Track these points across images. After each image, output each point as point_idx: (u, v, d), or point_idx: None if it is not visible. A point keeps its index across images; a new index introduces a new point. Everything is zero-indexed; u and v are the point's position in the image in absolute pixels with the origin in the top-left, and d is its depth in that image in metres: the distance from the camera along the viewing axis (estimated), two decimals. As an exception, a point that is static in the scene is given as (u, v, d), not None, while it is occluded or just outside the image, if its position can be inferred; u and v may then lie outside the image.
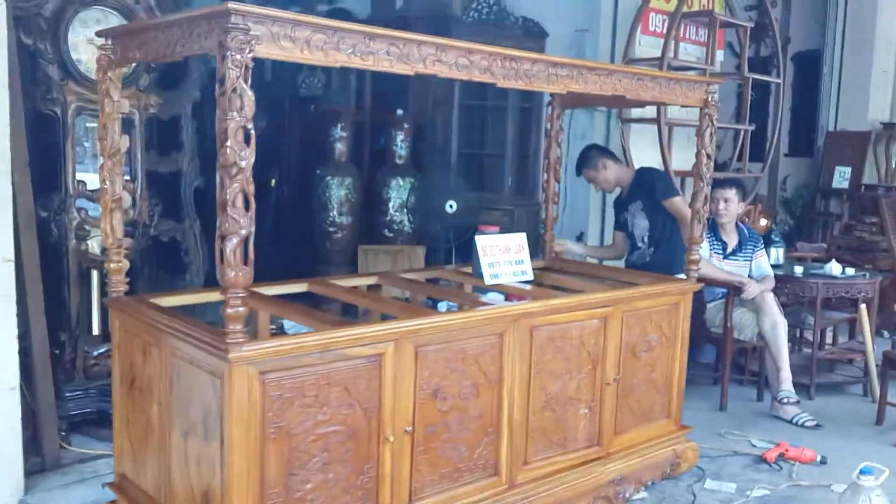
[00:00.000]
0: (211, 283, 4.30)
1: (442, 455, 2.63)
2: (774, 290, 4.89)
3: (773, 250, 5.28)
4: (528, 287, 3.21)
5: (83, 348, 3.28)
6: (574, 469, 3.06)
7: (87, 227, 3.28)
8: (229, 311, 2.05)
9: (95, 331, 3.33)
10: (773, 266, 5.17)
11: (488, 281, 3.21)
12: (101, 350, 3.33)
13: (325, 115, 6.01)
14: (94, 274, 3.32)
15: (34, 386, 2.86)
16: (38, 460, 2.93)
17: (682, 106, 3.51)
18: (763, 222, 6.36)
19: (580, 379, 3.05)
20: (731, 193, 4.48)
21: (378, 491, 2.45)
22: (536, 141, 6.72)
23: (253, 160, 2.03)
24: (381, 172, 6.09)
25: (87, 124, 3.27)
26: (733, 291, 4.48)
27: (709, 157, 3.40)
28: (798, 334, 5.38)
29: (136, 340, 2.57)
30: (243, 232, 2.02)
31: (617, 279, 3.66)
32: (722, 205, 4.49)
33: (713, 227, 4.58)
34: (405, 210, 5.93)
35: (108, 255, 2.67)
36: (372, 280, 3.32)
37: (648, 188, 4.21)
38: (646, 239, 4.22)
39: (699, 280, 4.56)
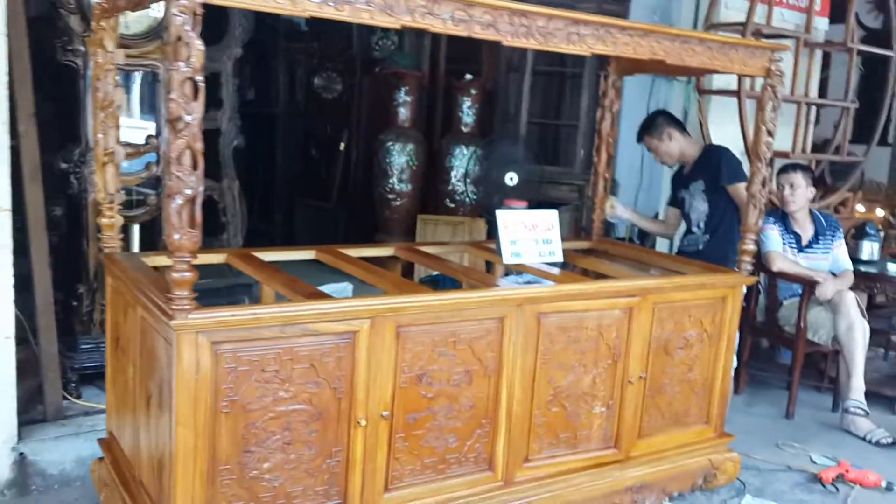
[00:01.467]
0: (249, 243, 4.26)
1: (426, 444, 2.44)
2: (862, 288, 4.39)
3: (866, 244, 4.75)
4: (553, 269, 2.95)
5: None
6: (585, 471, 2.80)
7: (108, 182, 3.25)
8: (174, 275, 1.92)
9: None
10: (866, 262, 4.65)
11: (507, 260, 2.97)
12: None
13: (388, 78, 5.84)
14: (133, 228, 3.30)
15: (38, 336, 2.85)
16: (42, 410, 2.94)
17: (745, 76, 3.11)
18: (860, 209, 5.74)
19: (596, 374, 2.77)
20: (798, 178, 4.02)
21: (347, 476, 2.29)
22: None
23: (201, 114, 1.87)
24: (446, 140, 5.88)
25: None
26: (808, 288, 4.03)
27: (769, 134, 3.01)
28: (889, 341, 4.84)
29: (119, 299, 2.51)
30: (189, 192, 1.88)
31: (664, 266, 3.33)
32: (787, 191, 4.04)
33: (783, 218, 4.13)
34: (467, 180, 5.70)
35: (102, 209, 2.60)
36: (389, 251, 3.15)
37: (714, 169, 3.80)
38: (702, 224, 3.83)
39: (774, 275, 4.17)
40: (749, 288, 4.52)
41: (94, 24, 2.50)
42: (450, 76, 6.20)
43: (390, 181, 5.72)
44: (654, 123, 3.98)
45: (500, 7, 2.25)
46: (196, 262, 1.96)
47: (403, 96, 5.73)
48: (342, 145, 6.63)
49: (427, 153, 5.89)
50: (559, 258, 3.10)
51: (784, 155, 5.05)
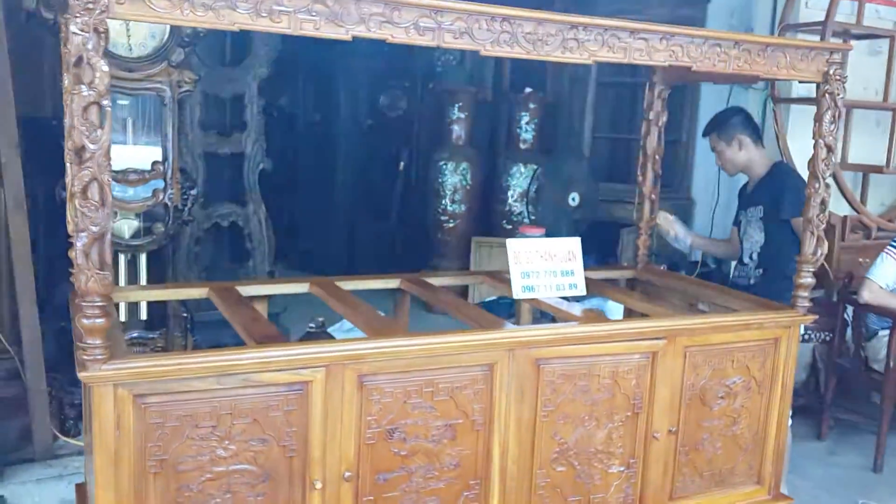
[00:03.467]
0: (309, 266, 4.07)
1: (400, 508, 2.15)
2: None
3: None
4: (571, 305, 2.60)
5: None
6: (601, 539, 2.43)
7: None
8: (85, 322, 1.73)
9: (121, 317, 3.20)
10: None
11: (518, 294, 2.64)
12: (128, 337, 3.20)
13: (442, 94, 5.60)
14: (121, 258, 3.18)
15: (26, 374, 2.76)
16: (31, 450, 2.84)
17: (799, 82, 2.67)
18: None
19: (612, 428, 2.40)
20: None
21: (301, 547, 2.03)
22: (690, 123, 5.86)
23: (107, 142, 1.67)
24: (503, 158, 5.58)
25: (118, 101, 3.12)
26: (897, 322, 3.49)
27: (829, 149, 2.56)
28: None
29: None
30: (96, 229, 1.68)
31: (714, 301, 2.90)
32: None
33: None
34: (525, 200, 5.38)
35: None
36: (395, 283, 2.88)
37: (776, 195, 3.24)
38: (755, 256, 3.32)
39: (861, 307, 3.64)
40: (836, 320, 3.99)
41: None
42: (516, 90, 5.90)
43: (443, 202, 5.47)
44: (727, 124, 3.39)
45: (476, 12, 1.95)
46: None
47: (457, 113, 5.48)
48: (402, 165, 6.43)
49: (483, 173, 5.61)
50: (581, 291, 2.75)
51: (877, 170, 4.47)
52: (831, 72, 2.48)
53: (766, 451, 2.72)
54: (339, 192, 6.70)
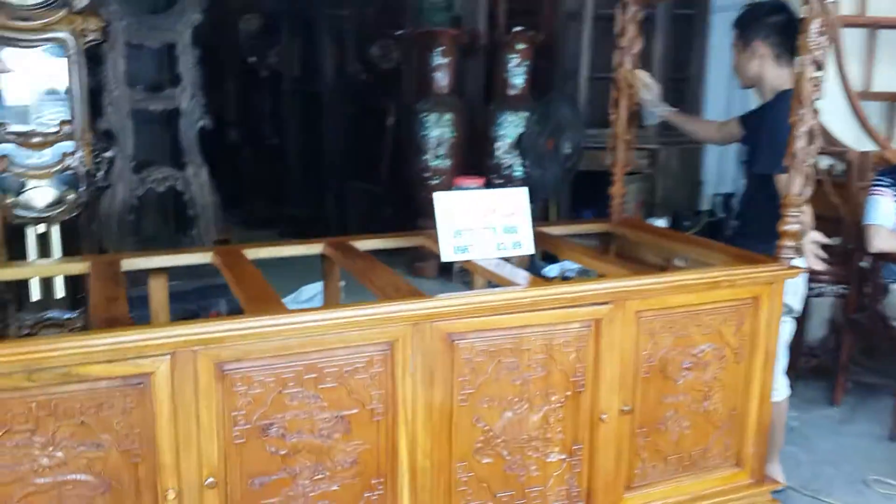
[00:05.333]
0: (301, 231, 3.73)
1: (286, 515, 1.82)
2: None
3: None
4: (511, 270, 2.22)
5: (16, 315, 2.89)
6: (541, 538, 2.08)
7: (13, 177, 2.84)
8: None
9: (33, 297, 2.91)
10: None
11: (448, 256, 2.27)
12: (35, 319, 2.92)
13: (424, 39, 5.15)
14: (30, 232, 2.88)
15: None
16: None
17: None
18: None
19: (549, 411, 2.03)
20: None
21: (161, 564, 1.72)
22: (699, 58, 5.34)
23: None
24: (491, 106, 5.14)
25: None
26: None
27: (817, 65, 2.10)
28: None
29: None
30: None
31: (692, 256, 2.48)
32: None
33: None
34: (517, 151, 4.92)
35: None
36: (318, 248, 2.52)
37: (758, 138, 2.56)
38: (736, 203, 2.83)
39: (879, 257, 3.18)
40: (851, 271, 3.53)
41: None
42: (498, 33, 5.43)
43: (426, 157, 5.05)
44: (753, 23, 2.62)
45: None
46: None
47: (439, 59, 5.03)
48: (390, 120, 6.02)
49: (472, 124, 5.17)
50: (528, 250, 2.37)
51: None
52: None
53: (747, 428, 2.33)
54: (327, 151, 6.34)
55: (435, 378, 1.89)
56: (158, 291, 2.36)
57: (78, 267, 2.26)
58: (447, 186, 5.16)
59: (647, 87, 2.84)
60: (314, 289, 3.86)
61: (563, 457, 2.08)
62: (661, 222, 4.61)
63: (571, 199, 5.29)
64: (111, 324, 1.72)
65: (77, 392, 1.58)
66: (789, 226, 2.21)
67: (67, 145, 2.89)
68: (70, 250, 2.97)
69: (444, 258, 2.27)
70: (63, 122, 2.88)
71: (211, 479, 1.71)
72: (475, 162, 5.21)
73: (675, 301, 2.12)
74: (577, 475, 2.11)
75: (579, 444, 2.09)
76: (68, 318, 2.95)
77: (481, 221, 2.32)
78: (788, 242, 2.22)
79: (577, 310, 2.00)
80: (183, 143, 3.48)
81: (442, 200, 2.28)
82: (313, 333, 1.75)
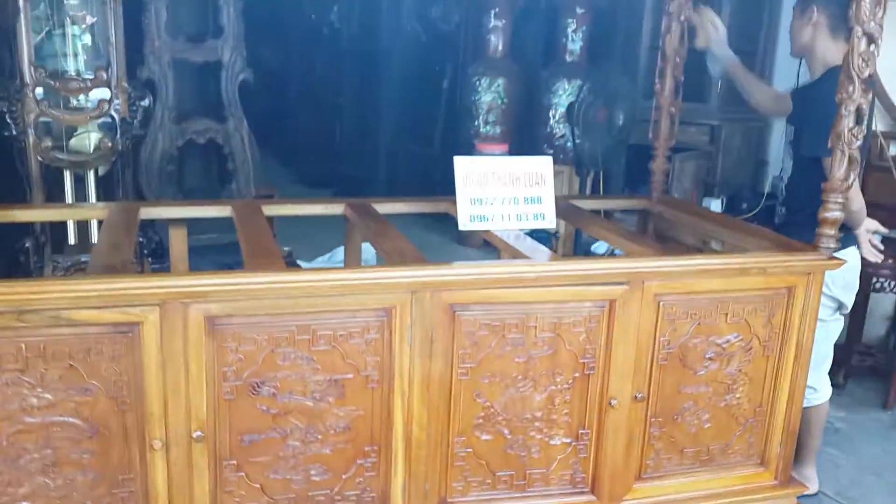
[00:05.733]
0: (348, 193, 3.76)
1: (275, 475, 1.80)
2: None
3: None
4: (530, 244, 2.13)
5: (52, 257, 2.94)
6: (539, 521, 2.01)
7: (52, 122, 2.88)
8: None
9: (71, 240, 2.97)
10: None
11: (465, 225, 2.19)
12: (71, 262, 2.96)
13: None
14: (67, 175, 2.92)
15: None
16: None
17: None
18: None
19: (555, 391, 1.95)
20: None
21: (148, 513, 1.72)
22: (769, 32, 5.04)
23: None
24: (546, 73, 4.97)
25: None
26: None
27: (869, 39, 1.92)
28: None
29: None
30: None
31: (728, 240, 2.34)
32: None
33: None
34: (570, 121, 4.76)
35: None
36: (339, 208, 2.47)
37: (805, 117, 2.36)
38: (782, 188, 2.62)
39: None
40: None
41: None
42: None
43: (476, 123, 4.95)
44: None
45: None
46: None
47: (493, 20, 4.88)
48: (446, 83, 5.91)
49: (524, 90, 5.03)
50: (550, 224, 2.27)
51: None
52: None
53: (774, 426, 2.20)
54: (383, 113, 6.28)
55: (435, 349, 1.82)
56: (178, 243, 2.36)
57: (96, 213, 2.28)
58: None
59: (715, 27, 2.65)
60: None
61: (569, 440, 2.00)
62: (714, 204, 4.41)
63: (626, 173, 5.10)
64: (108, 270, 1.71)
65: (67, 336, 1.58)
66: (830, 213, 2.05)
67: (104, 92, 2.90)
68: (108, 198, 3.00)
69: (461, 226, 2.19)
70: (99, 69, 2.89)
71: (199, 433, 1.70)
72: (527, 131, 5.08)
73: (700, 286, 2.00)
74: (582, 460, 2.02)
75: (586, 429, 2.00)
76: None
77: (502, 190, 2.23)
78: (829, 231, 2.06)
79: (589, 288, 1.90)
80: (224, 96, 3.47)
81: (461, 165, 2.20)
82: (306, 295, 1.70)
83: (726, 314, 2.05)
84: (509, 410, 1.93)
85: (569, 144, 4.91)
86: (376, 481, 1.88)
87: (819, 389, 2.54)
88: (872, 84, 1.99)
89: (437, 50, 6.15)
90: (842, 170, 2.02)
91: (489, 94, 4.86)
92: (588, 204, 2.72)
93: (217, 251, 3.56)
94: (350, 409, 1.81)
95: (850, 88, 1.95)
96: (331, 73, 6.88)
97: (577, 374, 1.95)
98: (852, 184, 2.03)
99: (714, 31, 2.64)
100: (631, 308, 1.94)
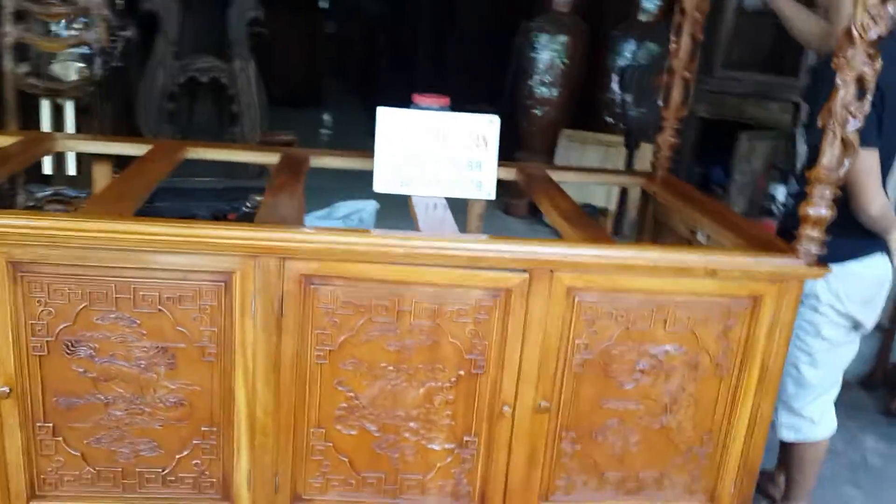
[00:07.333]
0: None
1: (96, 443, 1.61)
2: None
3: None
4: (438, 212, 1.82)
5: (26, 188, 2.89)
6: (415, 535, 1.73)
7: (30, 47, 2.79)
8: None
9: (45, 170, 2.90)
10: None
11: (381, 186, 1.91)
12: (48, 192, 2.90)
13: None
14: (45, 104, 2.85)
15: None
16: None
17: None
18: None
19: (433, 388, 1.65)
20: None
21: (-45, 468, 1.58)
22: None
23: None
24: (617, 32, 4.49)
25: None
26: None
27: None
28: None
29: None
30: None
31: (718, 233, 1.93)
32: None
33: None
34: (621, 87, 4.30)
35: None
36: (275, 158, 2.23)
37: (819, 91, 1.81)
38: (793, 179, 2.11)
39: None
40: None
41: None
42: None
43: (531, 83, 4.55)
44: None
45: None
46: None
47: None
48: (519, 40, 5.50)
49: (589, 50, 4.57)
50: (489, 193, 1.95)
51: None
52: None
53: (726, 460, 1.80)
54: (454, 68, 5.96)
55: (286, 325, 1.57)
56: (102, 178, 2.20)
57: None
58: (551, 119, 4.66)
59: None
60: (353, 206, 3.60)
61: (451, 446, 1.70)
62: (780, 190, 3.85)
63: (698, 150, 4.57)
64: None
65: None
66: (814, 209, 1.61)
67: (83, 20, 2.78)
68: (86, 131, 2.91)
69: (376, 187, 1.90)
70: (78, -9, 2.76)
71: (6, 388, 1.53)
72: (588, 95, 4.64)
73: (628, 283, 1.62)
74: (467, 471, 1.72)
75: (473, 436, 1.69)
76: (74, 197, 2.91)
77: (435, 151, 1.92)
78: (811, 231, 1.62)
79: (477, 273, 1.57)
80: (231, 34, 3.29)
81: (386, 118, 1.90)
82: (119, 248, 1.48)
83: (664, 320, 1.67)
84: (378, 405, 1.65)
85: (631, 113, 4.44)
86: (216, 465, 1.66)
87: (819, 422, 2.10)
88: (884, 49, 1.52)
89: (512, 3, 5.75)
90: (834, 156, 1.57)
91: (547, 51, 4.45)
92: (566, 176, 2.35)
93: (214, 197, 3.43)
94: (184, 384, 1.59)
95: (850, 52, 1.50)
96: (405, 21, 6.62)
97: (461, 372, 1.64)
98: (846, 174, 1.58)
99: None
100: (534, 302, 1.60)
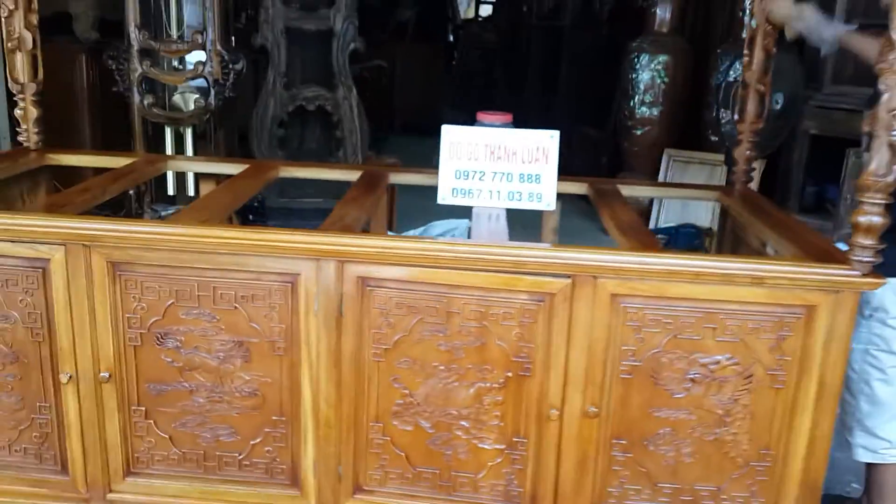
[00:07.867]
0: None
1: (185, 428, 1.81)
2: None
3: None
4: (492, 224, 1.92)
5: (151, 207, 3.22)
6: (467, 531, 1.81)
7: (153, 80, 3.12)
8: None
9: (170, 191, 3.23)
10: None
11: (445, 198, 2.03)
12: (171, 210, 3.22)
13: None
14: (168, 131, 3.18)
15: None
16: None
17: None
18: None
19: (483, 389, 1.73)
20: None
21: (63, 441, 1.82)
22: None
23: None
24: (720, 50, 4.43)
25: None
26: None
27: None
28: None
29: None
30: None
31: (780, 247, 1.92)
32: None
33: None
34: (716, 102, 4.22)
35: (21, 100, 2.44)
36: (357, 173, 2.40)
37: None
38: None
39: None
40: None
41: None
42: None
43: (632, 103, 4.56)
44: None
45: None
46: None
47: (660, -7, 4.46)
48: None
49: (690, 69, 4.53)
50: (548, 206, 2.03)
51: None
52: None
53: (786, 477, 1.77)
54: (562, 92, 6.04)
55: (345, 324, 1.71)
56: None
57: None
58: (654, 138, 4.63)
59: (800, 17, 2.14)
60: (447, 225, 3.72)
61: (502, 447, 1.77)
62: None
63: (810, 168, 4.41)
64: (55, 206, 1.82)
65: (-12, 265, 1.71)
66: (866, 217, 1.58)
67: (200, 55, 3.09)
68: (203, 153, 3.21)
69: (440, 199, 2.02)
70: (196, 33, 3.07)
71: (106, 374, 1.75)
72: (693, 115, 4.59)
73: (674, 291, 1.65)
74: (518, 472, 1.78)
75: (522, 438, 1.76)
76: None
77: (493, 165, 2.02)
78: (863, 240, 1.60)
79: (521, 277, 1.65)
80: (335, 65, 3.54)
81: (449, 134, 2.02)
82: (201, 250, 1.67)
83: (715, 329, 1.68)
84: (431, 402, 1.75)
85: (733, 133, 4.36)
86: (286, 453, 1.81)
87: (898, 444, 2.01)
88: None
89: (618, 25, 5.77)
90: (882, 161, 1.55)
91: (648, 71, 4.45)
92: (642, 191, 2.38)
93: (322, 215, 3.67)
94: (257, 375, 1.76)
95: (892, 57, 1.49)
96: (516, 47, 6.77)
97: (509, 374, 1.72)
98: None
99: (800, 22, 2.13)
100: (578, 307, 1.66)
